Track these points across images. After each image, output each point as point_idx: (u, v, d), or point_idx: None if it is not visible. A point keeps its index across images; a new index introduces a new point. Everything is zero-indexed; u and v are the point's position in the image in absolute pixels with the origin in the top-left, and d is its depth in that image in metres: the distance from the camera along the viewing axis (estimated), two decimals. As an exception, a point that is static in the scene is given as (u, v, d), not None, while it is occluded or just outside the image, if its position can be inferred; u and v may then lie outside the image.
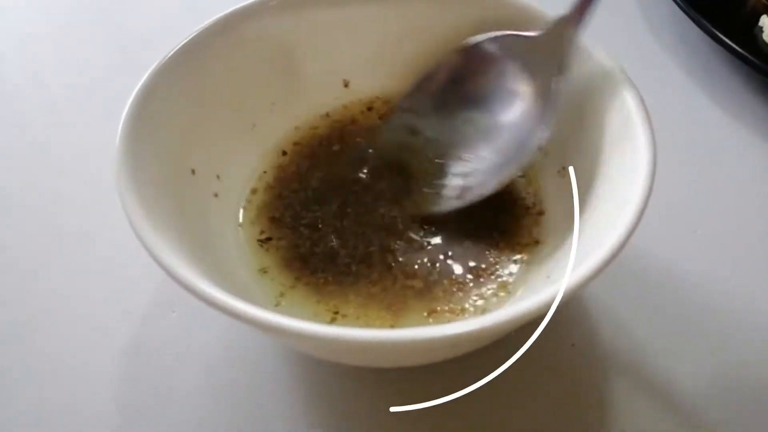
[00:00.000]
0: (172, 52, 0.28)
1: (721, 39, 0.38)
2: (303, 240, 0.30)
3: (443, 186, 0.30)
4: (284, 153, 0.33)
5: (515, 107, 0.30)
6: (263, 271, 0.29)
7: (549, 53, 0.28)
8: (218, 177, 0.31)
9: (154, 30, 0.43)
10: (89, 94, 0.40)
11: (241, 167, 0.32)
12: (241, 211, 0.31)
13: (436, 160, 0.31)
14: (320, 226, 0.30)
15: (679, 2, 0.40)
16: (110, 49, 0.42)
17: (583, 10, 0.28)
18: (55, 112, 0.39)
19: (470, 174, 0.30)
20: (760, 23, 0.40)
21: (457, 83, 0.31)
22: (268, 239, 0.30)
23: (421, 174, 0.31)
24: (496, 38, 0.30)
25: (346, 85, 0.34)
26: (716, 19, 0.39)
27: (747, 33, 0.40)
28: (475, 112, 0.31)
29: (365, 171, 0.32)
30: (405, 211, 0.30)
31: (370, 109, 0.34)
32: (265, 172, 0.32)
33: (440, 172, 0.31)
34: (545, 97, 0.28)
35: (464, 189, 0.30)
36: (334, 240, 0.30)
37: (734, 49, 0.38)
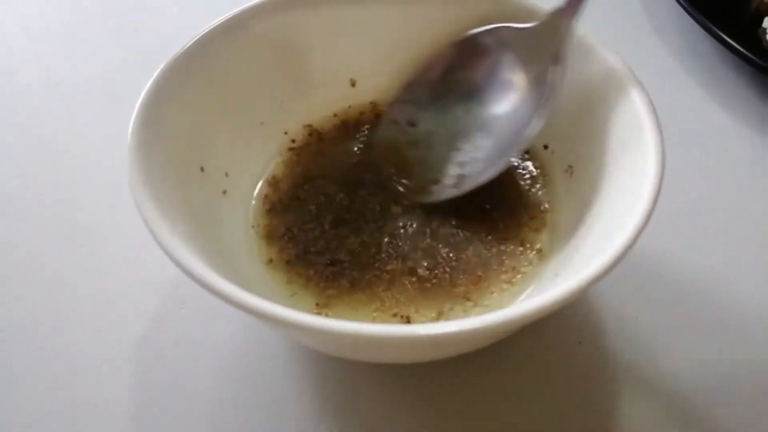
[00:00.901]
0: (182, 50, 0.29)
1: (725, 40, 0.38)
2: (308, 238, 0.30)
3: (441, 176, 0.31)
4: (292, 150, 0.33)
5: (510, 98, 0.30)
6: (271, 266, 0.29)
7: (544, 44, 0.29)
8: (227, 174, 0.31)
9: (166, 26, 0.43)
10: (100, 90, 0.40)
11: (250, 165, 0.32)
12: (250, 208, 0.31)
13: (434, 151, 0.31)
14: (324, 223, 0.30)
15: (684, 4, 0.40)
16: (122, 45, 0.42)
17: (578, 1, 0.28)
18: (66, 109, 0.39)
19: (467, 163, 0.31)
20: (764, 24, 0.40)
21: (453, 75, 0.31)
22: (275, 235, 0.30)
23: (419, 164, 0.32)
24: (491, 30, 0.30)
25: (353, 84, 0.34)
26: (720, 21, 0.39)
27: (751, 34, 0.40)
28: (471, 102, 0.31)
29: (365, 164, 0.32)
30: (404, 201, 0.31)
31: (375, 109, 0.34)
32: (272, 169, 0.32)
33: (437, 162, 0.31)
34: (540, 87, 0.29)
35: (461, 177, 0.30)
36: (336, 238, 0.30)
37: (738, 50, 0.38)
